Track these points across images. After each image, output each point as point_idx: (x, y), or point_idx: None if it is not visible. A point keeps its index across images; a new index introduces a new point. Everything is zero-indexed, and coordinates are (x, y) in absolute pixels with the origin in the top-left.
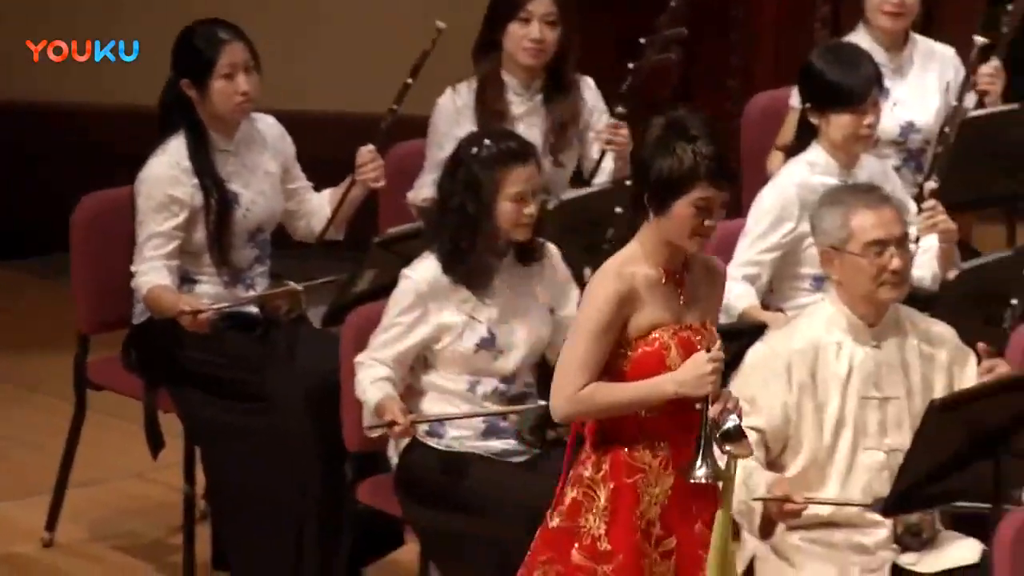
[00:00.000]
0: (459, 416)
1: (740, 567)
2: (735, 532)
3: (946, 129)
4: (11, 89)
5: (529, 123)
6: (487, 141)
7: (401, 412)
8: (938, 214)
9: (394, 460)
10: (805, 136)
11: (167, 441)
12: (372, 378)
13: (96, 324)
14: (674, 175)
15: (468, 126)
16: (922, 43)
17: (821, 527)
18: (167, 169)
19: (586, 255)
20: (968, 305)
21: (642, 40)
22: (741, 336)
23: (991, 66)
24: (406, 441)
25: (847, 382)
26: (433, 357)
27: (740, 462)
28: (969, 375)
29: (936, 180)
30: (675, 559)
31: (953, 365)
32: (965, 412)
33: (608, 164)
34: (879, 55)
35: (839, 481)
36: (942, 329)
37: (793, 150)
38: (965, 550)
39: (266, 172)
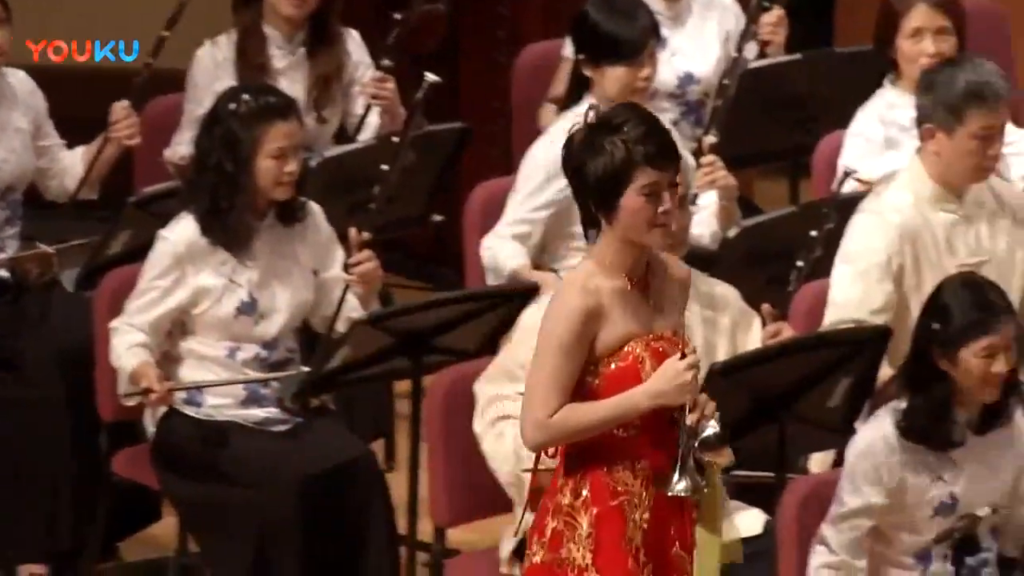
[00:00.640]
0: (218, 383)
1: (513, 542)
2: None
3: (726, 81)
4: None
5: (291, 78)
6: (246, 96)
7: (157, 379)
8: (717, 169)
9: (151, 430)
10: (578, 89)
11: None
12: (127, 344)
13: None
14: (610, 170)
15: (228, 80)
16: None
17: None
18: None
19: (350, 215)
20: (750, 264)
21: None
22: (511, 298)
23: (774, 15)
24: (163, 410)
25: None
26: (191, 322)
27: (510, 432)
28: (752, 338)
29: (715, 134)
30: None
31: (736, 328)
32: (747, 377)
33: (373, 119)
34: (656, 3)
35: None
36: (724, 290)
37: (566, 104)
38: (749, 520)
39: (16, 129)
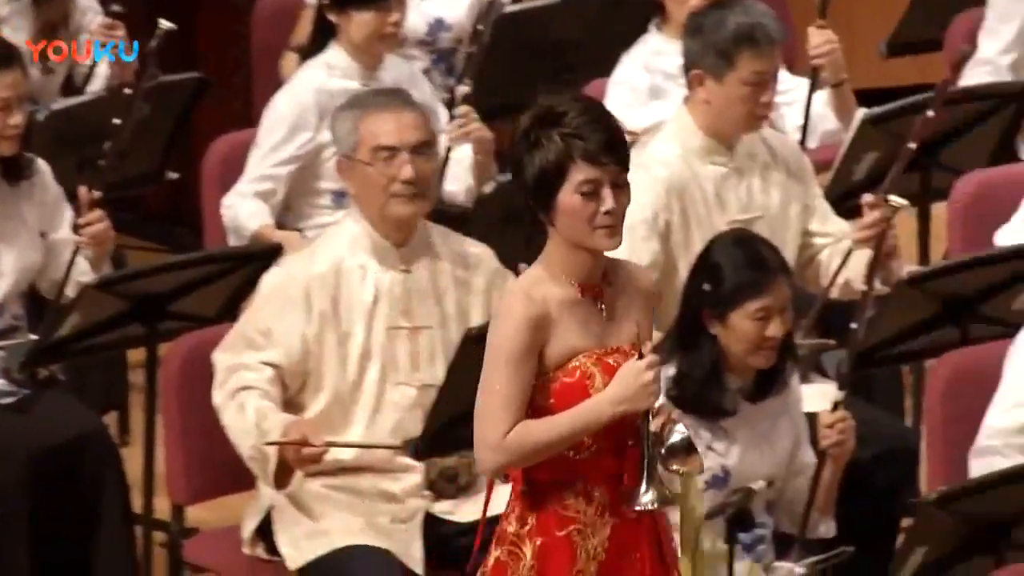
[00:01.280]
0: None
1: (256, 519)
2: None
3: (480, 26)
4: None
5: (14, 25)
6: None
7: None
8: (471, 121)
9: None
10: (322, 36)
11: None
12: None
13: None
14: (547, 167)
15: None
16: None
17: (345, 473)
18: None
19: (80, 172)
20: (507, 223)
21: None
22: (252, 260)
23: None
24: None
25: (373, 310)
26: None
27: (251, 404)
28: None
29: (469, 83)
30: None
31: (491, 290)
32: None
33: (103, 70)
34: None
35: (366, 421)
36: (479, 250)
37: (309, 52)
38: (504, 496)
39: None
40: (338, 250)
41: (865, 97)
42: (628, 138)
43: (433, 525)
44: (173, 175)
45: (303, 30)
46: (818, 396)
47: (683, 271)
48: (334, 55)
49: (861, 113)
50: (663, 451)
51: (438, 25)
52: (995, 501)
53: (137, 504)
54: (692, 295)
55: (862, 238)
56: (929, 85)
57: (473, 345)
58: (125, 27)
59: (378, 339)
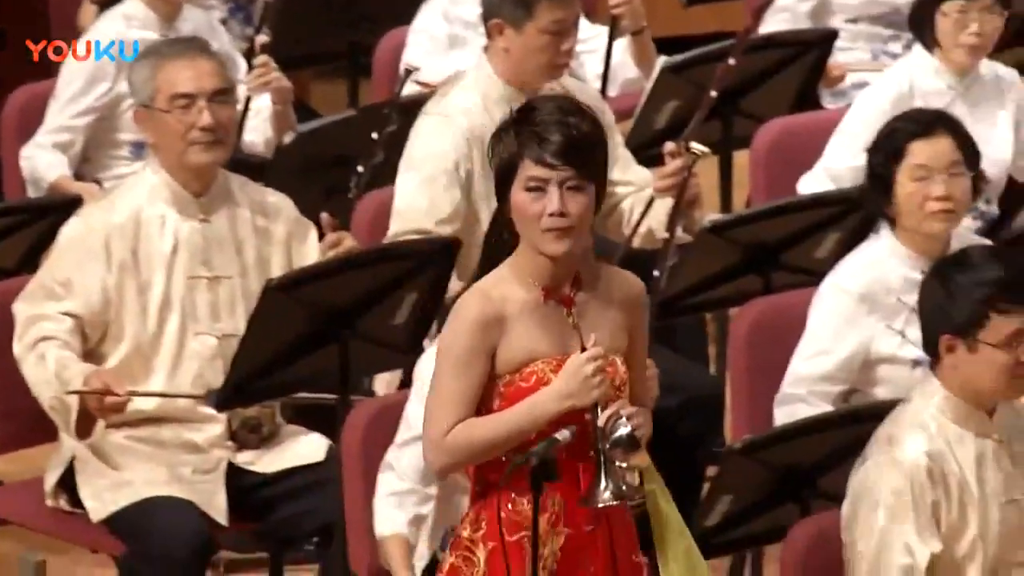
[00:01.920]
0: None
1: (58, 471)
2: None
3: None
4: None
5: None
6: None
7: None
8: (270, 71)
9: None
10: None
11: None
12: None
13: None
14: (502, 163)
15: None
16: None
17: (147, 423)
18: None
19: None
20: (308, 172)
21: None
22: (51, 211)
23: None
24: None
25: (172, 260)
26: None
27: (52, 354)
28: (309, 251)
29: (268, 33)
30: None
31: (291, 239)
32: (306, 292)
33: None
34: None
35: (167, 371)
36: (277, 199)
37: (107, 2)
38: (309, 446)
39: None
40: (137, 200)
41: (665, 45)
42: (425, 89)
43: (236, 476)
44: None
45: None
46: None
47: (484, 221)
48: (132, 5)
49: (661, 61)
50: (607, 445)
51: None
52: (800, 449)
53: None
54: (493, 245)
55: (664, 186)
56: (729, 33)
57: (273, 295)
58: None
59: (178, 289)
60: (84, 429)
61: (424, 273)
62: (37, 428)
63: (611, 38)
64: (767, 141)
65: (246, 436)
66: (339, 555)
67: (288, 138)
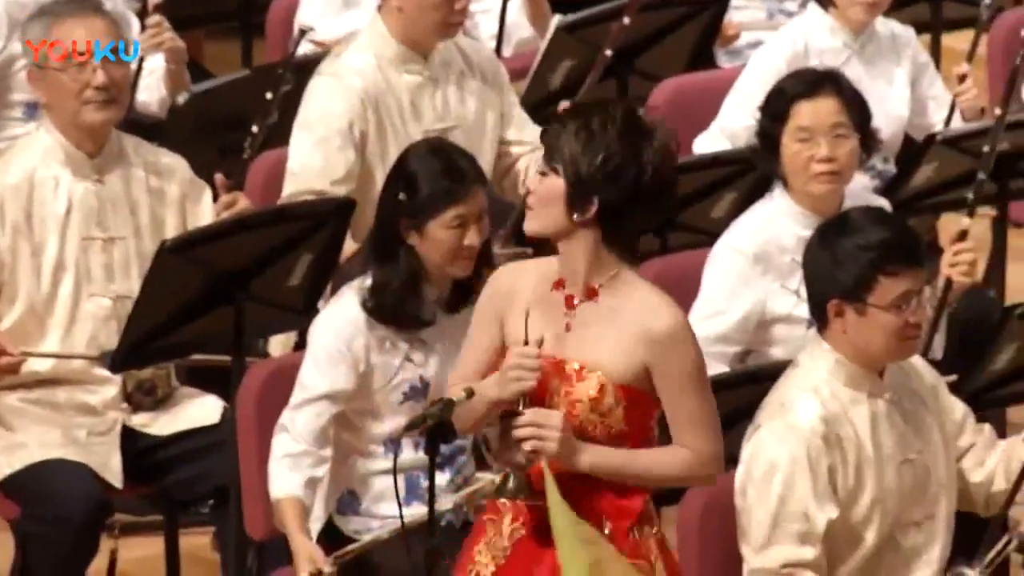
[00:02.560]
0: None
1: None
2: None
3: None
4: None
5: None
6: None
7: None
8: (164, 31)
9: None
10: None
11: None
12: None
13: None
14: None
15: None
16: None
17: (42, 385)
18: None
19: None
20: (201, 133)
21: None
22: None
23: None
24: None
25: (66, 221)
26: None
27: None
28: (203, 211)
29: None
30: None
31: (185, 200)
32: (200, 253)
33: None
34: None
35: (61, 332)
36: (171, 160)
37: None
38: (204, 408)
39: None
40: (31, 161)
41: (560, 4)
42: (320, 48)
43: (131, 438)
44: None
45: None
46: None
47: (379, 181)
48: None
49: (556, 20)
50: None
51: None
52: None
53: None
54: (388, 205)
55: None
56: None
57: (167, 256)
58: None
59: (72, 250)
60: None
61: (319, 234)
62: None
63: None
64: (663, 100)
65: (141, 398)
66: (234, 517)
67: (182, 98)
